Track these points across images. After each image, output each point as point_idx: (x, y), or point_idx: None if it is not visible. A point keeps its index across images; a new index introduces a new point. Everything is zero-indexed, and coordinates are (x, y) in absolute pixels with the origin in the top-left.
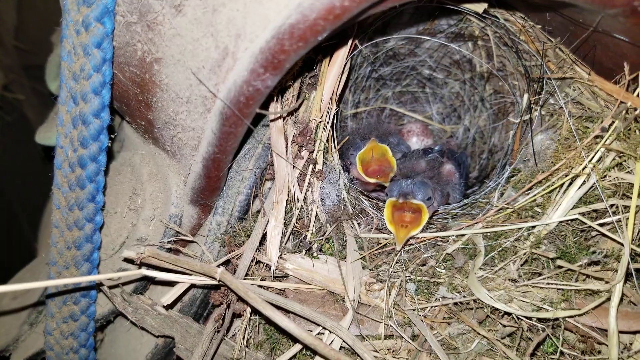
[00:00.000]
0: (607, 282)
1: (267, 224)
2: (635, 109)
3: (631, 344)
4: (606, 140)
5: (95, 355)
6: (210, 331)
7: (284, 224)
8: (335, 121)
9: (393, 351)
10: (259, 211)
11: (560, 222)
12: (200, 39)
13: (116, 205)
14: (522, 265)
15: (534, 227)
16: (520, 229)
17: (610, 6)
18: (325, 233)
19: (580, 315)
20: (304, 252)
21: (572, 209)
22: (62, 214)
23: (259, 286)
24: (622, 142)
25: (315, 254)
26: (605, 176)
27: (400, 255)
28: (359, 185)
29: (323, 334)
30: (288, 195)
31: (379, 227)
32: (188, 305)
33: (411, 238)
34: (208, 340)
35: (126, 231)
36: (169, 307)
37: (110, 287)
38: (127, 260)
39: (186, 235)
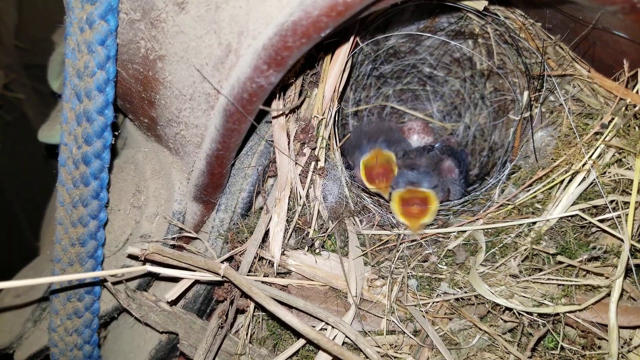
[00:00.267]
0: (607, 278)
1: (269, 220)
2: (635, 106)
3: (631, 339)
4: (606, 136)
5: (99, 351)
6: (214, 327)
7: (287, 220)
8: (337, 119)
9: (395, 346)
10: (261, 208)
11: (561, 218)
12: (203, 36)
13: (120, 203)
14: (522, 261)
15: (534, 223)
16: (521, 225)
17: (609, 3)
18: (327, 230)
19: (580, 310)
20: (306, 248)
21: (572, 205)
22: (66, 211)
23: (262, 282)
24: (622, 138)
25: (317, 251)
26: (605, 172)
27: (402, 251)
28: (360, 183)
29: (326, 329)
30: (290, 192)
31: (381, 223)
32: (192, 301)
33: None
34: (212, 336)
35: (130, 228)
36: (172, 303)
37: (114, 284)
38: (131, 257)
39: (189, 232)
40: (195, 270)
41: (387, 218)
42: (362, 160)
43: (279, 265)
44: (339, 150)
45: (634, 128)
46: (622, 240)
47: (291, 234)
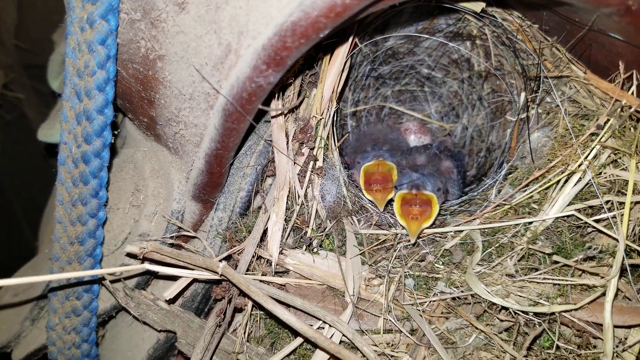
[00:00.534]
0: (602, 277)
1: (268, 219)
2: (630, 107)
3: (626, 338)
4: (601, 137)
5: (97, 350)
6: (212, 326)
7: (285, 220)
8: (335, 119)
9: (392, 345)
10: (260, 207)
11: (557, 218)
12: (203, 36)
13: (119, 202)
14: (519, 260)
15: (530, 223)
16: (517, 225)
17: (604, 5)
18: (325, 229)
19: (576, 309)
20: (304, 247)
21: (568, 205)
22: (66, 210)
23: (260, 281)
24: (617, 139)
25: (315, 250)
26: (600, 173)
27: (399, 250)
28: (358, 183)
29: (323, 328)
30: (289, 191)
31: (379, 223)
32: (190, 300)
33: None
34: (209, 335)
35: (128, 227)
36: (170, 302)
37: (113, 282)
38: (130, 256)
39: (188, 231)
40: (193, 269)
41: (384, 218)
42: (363, 167)
43: (277, 264)
44: (337, 150)
45: (630, 129)
46: (617, 240)
47: (289, 233)
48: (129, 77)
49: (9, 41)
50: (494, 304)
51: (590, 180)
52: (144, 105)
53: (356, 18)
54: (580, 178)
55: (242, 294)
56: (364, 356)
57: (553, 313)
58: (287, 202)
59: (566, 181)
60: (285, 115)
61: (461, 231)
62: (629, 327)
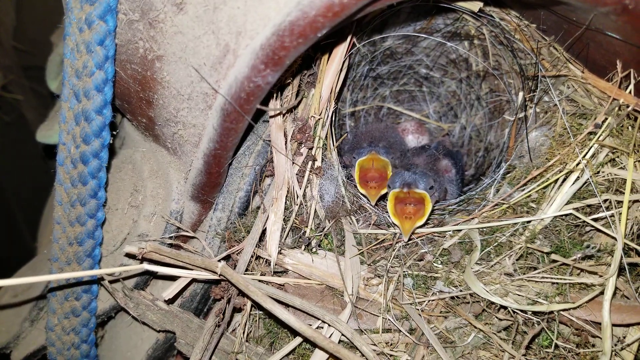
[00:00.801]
0: (600, 276)
1: (266, 219)
2: (628, 106)
3: (624, 337)
4: (599, 136)
5: (96, 351)
6: (211, 326)
7: (284, 219)
8: (334, 119)
9: (391, 344)
10: (258, 207)
11: (555, 217)
12: (201, 36)
13: (117, 202)
14: (517, 259)
15: (529, 222)
16: (515, 224)
17: (601, 4)
18: (324, 229)
19: (574, 308)
20: (303, 247)
21: (566, 204)
22: (64, 210)
23: (259, 281)
24: (615, 138)
25: (314, 250)
26: (598, 172)
27: (398, 250)
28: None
29: (322, 327)
30: (287, 191)
31: (377, 223)
32: (189, 300)
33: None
34: (209, 335)
35: (127, 227)
36: (170, 302)
37: (112, 283)
38: (129, 256)
39: (187, 231)
40: (192, 269)
41: (383, 217)
42: (358, 162)
43: (275, 264)
44: (335, 150)
45: (627, 128)
46: (615, 239)
47: (288, 233)
48: (128, 77)
49: (7, 42)
50: (492, 303)
51: (588, 179)
52: (143, 105)
53: (354, 18)
54: (578, 177)
55: (241, 293)
56: (363, 355)
57: (552, 312)
58: (285, 202)
59: (564, 180)
60: (284, 115)
61: (460, 230)
62: (627, 325)
